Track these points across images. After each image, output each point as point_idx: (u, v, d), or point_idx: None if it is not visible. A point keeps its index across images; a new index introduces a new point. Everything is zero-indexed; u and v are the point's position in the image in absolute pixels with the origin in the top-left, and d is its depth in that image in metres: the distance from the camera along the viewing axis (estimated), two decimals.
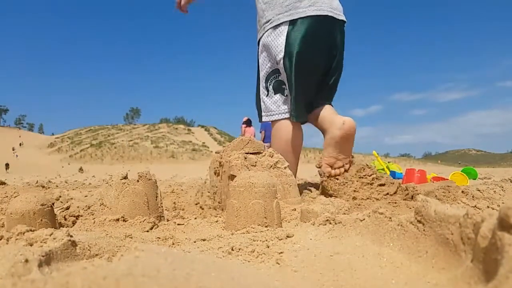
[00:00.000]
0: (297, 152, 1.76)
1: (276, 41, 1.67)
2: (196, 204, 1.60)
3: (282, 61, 1.65)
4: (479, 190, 1.49)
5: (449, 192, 1.39)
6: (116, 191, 1.08)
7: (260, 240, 0.75)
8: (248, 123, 9.02)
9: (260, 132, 8.98)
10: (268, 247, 0.70)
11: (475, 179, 3.46)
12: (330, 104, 1.75)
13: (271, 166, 1.39)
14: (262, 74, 1.76)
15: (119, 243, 0.76)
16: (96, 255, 0.65)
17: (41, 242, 0.56)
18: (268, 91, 1.74)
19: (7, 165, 19.78)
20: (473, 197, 1.38)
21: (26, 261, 0.44)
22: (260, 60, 1.78)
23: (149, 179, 1.13)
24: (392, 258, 0.57)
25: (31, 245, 0.55)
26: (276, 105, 1.71)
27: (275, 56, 1.67)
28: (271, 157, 1.43)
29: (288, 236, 0.77)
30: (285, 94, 1.69)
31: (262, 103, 1.77)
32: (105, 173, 10.07)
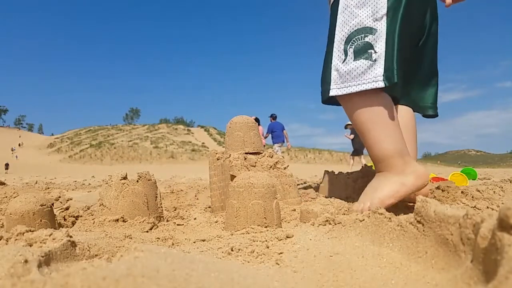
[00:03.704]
0: (395, 124, 1.25)
1: None
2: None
3: (384, 18, 1.23)
4: (478, 191, 1.49)
5: (449, 192, 1.39)
6: (115, 191, 1.07)
7: (260, 241, 0.75)
8: (257, 121, 9.07)
9: (267, 133, 9.06)
10: (267, 247, 0.70)
11: (474, 179, 3.46)
12: (435, 113, 1.47)
13: (271, 167, 1.39)
14: (341, 35, 1.30)
15: (119, 243, 0.76)
16: (96, 255, 0.66)
17: (40, 242, 0.56)
18: (346, 55, 1.26)
19: (6, 165, 19.76)
20: (472, 197, 1.38)
21: (26, 261, 0.43)
22: (339, 19, 1.32)
23: (149, 180, 1.13)
24: (391, 258, 0.57)
25: (30, 245, 0.55)
26: (355, 73, 1.24)
27: (374, 13, 1.25)
28: (271, 157, 1.43)
29: (287, 237, 0.77)
30: (372, 59, 1.23)
31: (333, 72, 1.30)
32: (104, 173, 10.07)
